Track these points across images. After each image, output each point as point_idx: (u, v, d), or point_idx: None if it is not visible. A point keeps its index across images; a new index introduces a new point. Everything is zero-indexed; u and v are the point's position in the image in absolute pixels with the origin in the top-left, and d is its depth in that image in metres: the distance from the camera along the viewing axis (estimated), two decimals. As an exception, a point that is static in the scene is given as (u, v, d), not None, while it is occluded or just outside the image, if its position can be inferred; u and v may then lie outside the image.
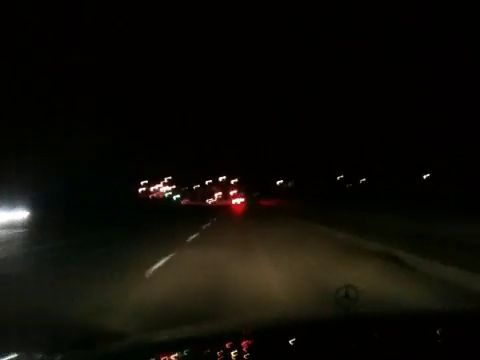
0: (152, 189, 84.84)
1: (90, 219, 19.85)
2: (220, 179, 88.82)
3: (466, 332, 1.51)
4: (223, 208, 44.37)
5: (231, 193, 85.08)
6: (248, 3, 67.22)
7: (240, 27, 75.36)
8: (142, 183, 74.50)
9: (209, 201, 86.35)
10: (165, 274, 6.10)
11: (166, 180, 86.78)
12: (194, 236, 12.02)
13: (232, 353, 1.41)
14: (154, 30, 67.38)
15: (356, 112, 49.01)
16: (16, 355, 1.64)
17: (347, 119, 49.51)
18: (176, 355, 1.44)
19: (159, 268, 6.53)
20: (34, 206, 22.42)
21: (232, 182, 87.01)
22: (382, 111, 43.48)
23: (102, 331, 2.14)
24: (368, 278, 5.17)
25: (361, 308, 1.64)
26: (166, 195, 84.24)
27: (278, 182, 67.47)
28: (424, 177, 44.30)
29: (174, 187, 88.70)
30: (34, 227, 19.23)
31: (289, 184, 54.94)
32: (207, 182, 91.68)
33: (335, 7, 57.76)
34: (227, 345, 1.49)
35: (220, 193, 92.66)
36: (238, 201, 73.96)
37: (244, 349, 1.45)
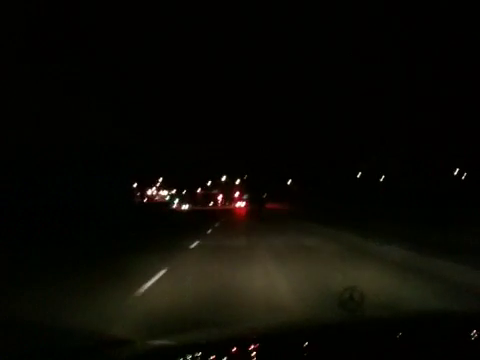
0: (154, 193, 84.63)
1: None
2: (222, 179, 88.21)
3: (473, 334, 1.61)
4: (226, 213, 43.91)
5: (235, 195, 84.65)
6: (249, 4, 68.61)
7: (241, 27, 76.34)
8: (134, 186, 73.95)
9: (209, 204, 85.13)
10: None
11: (159, 183, 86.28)
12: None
13: (240, 358, 1.56)
14: (153, 30, 68.19)
15: (373, 108, 49.24)
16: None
17: (361, 115, 49.69)
18: None
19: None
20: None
21: (236, 183, 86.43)
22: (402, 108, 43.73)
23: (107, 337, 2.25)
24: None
25: (366, 310, 1.78)
26: (167, 199, 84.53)
27: (288, 182, 66.79)
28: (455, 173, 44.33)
29: (175, 191, 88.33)
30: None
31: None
32: (208, 183, 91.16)
33: (335, 7, 58.82)
34: (234, 350, 1.61)
35: (221, 196, 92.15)
36: (242, 204, 73.56)
37: (250, 354, 1.59)
